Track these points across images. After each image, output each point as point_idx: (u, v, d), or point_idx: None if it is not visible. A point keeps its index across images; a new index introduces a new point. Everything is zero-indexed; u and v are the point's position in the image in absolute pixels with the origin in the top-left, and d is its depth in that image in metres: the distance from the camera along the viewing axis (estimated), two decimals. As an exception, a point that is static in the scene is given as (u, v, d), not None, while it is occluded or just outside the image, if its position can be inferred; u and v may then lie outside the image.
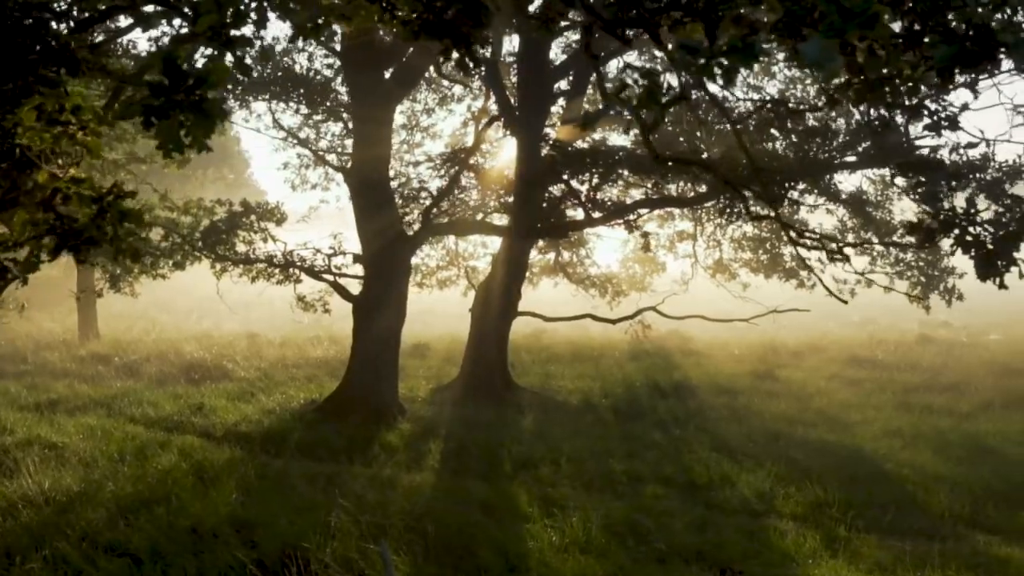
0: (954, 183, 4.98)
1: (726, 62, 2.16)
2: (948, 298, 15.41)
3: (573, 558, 7.05)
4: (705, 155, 12.04)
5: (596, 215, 12.07)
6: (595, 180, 11.98)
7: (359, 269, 13.92)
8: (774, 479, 9.83)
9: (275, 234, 15.33)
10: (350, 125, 13.69)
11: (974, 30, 2.45)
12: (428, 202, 13.19)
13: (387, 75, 12.60)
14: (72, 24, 3.56)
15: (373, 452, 11.23)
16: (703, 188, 14.03)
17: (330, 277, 13.75)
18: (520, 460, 10.75)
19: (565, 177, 12.69)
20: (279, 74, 14.09)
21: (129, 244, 3.71)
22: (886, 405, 14.78)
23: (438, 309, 31.23)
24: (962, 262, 16.55)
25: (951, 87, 13.02)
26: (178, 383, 16.43)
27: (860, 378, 17.52)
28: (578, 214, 14.67)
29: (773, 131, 12.13)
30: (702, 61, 2.15)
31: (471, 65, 3.25)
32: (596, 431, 12.69)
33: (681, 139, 14.99)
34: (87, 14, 3.60)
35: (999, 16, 2.68)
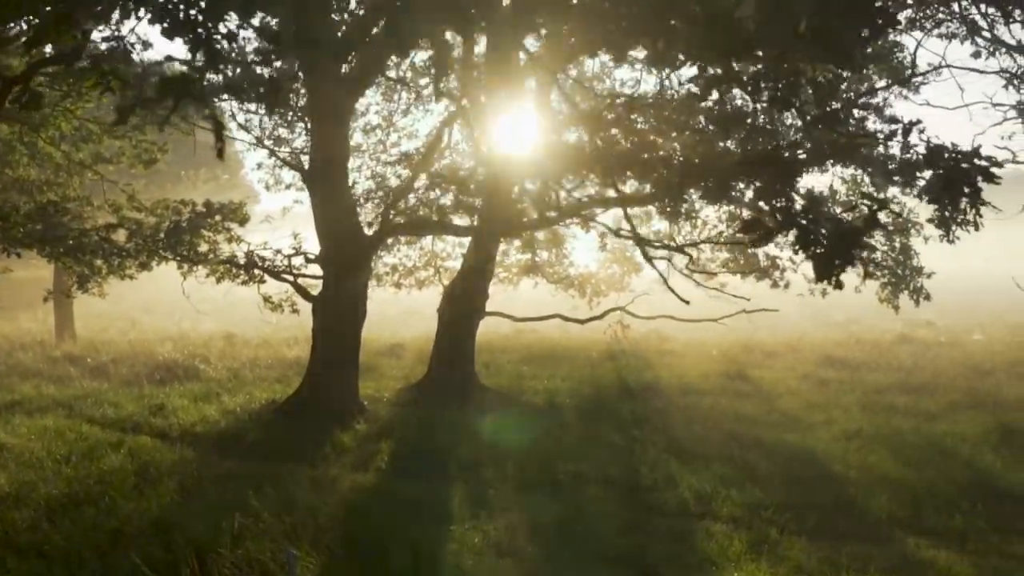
0: (797, 180, 4.89)
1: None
2: (916, 298, 15.33)
3: (488, 561, 7.01)
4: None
5: (551, 214, 12.01)
6: (549, 180, 11.93)
7: (320, 269, 13.88)
8: (718, 480, 9.75)
9: (244, 234, 15.34)
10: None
11: (716, 20, 2.38)
12: (388, 202, 13.14)
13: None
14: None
15: (324, 453, 11.20)
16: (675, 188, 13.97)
17: (290, 277, 13.72)
18: (467, 461, 10.70)
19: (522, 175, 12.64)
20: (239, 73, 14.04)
21: None
22: (852, 406, 14.64)
23: (424, 310, 31.29)
24: (930, 262, 16.53)
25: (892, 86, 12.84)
26: (146, 384, 16.43)
27: (832, 378, 17.40)
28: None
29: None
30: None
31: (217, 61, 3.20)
32: (554, 432, 12.60)
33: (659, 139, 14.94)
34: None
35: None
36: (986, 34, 13.89)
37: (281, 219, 20.06)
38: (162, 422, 12.92)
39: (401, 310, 31.83)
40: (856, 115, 8.45)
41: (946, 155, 4.60)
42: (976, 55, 12.49)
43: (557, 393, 15.74)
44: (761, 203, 4.39)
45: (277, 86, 2.94)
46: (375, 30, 10.38)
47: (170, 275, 16.61)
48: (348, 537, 7.33)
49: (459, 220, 14.52)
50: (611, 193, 13.14)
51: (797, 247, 3.74)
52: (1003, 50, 13.11)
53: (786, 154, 6.81)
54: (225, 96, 14.39)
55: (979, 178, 4.69)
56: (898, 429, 12.49)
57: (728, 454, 11.06)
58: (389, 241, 19.49)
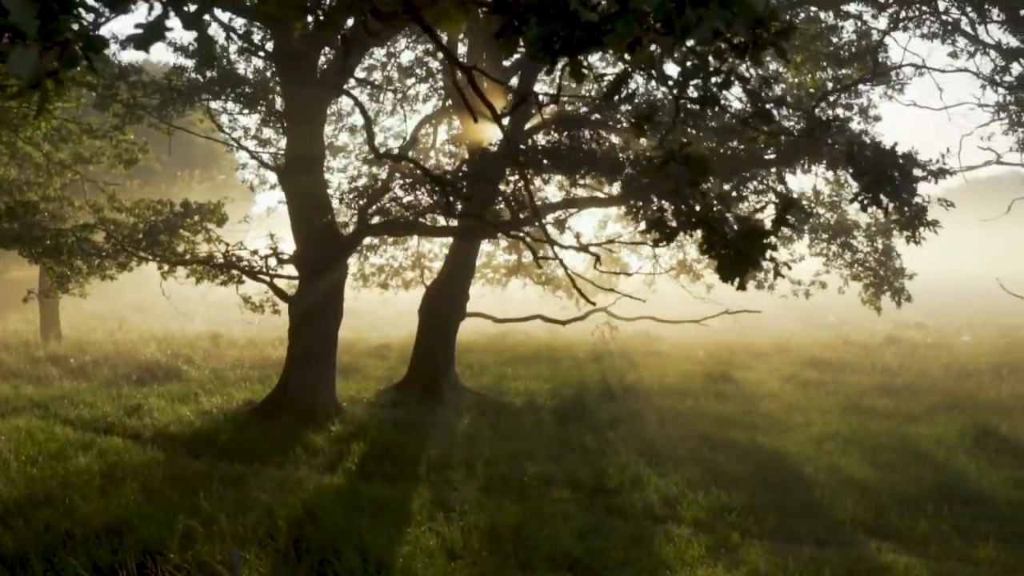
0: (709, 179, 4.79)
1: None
2: (898, 299, 15.25)
3: (440, 564, 6.95)
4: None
5: (523, 215, 11.96)
6: (520, 180, 11.87)
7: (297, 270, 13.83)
8: (685, 483, 9.67)
9: (235, 234, 15.27)
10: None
11: (559, 10, 2.30)
12: (361, 203, 13.08)
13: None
14: None
15: (295, 453, 11.14)
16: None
17: (266, 278, 13.68)
18: (437, 462, 10.65)
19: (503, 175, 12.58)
20: (218, 74, 14.03)
21: None
22: (833, 408, 14.57)
23: (416, 311, 31.25)
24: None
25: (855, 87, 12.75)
26: (126, 384, 16.39)
27: (815, 380, 17.33)
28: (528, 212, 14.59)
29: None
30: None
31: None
32: (529, 433, 12.55)
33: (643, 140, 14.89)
34: None
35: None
36: (969, 33, 13.82)
37: (266, 219, 20.09)
38: (136, 423, 12.87)
39: (394, 311, 31.76)
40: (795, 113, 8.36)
41: (868, 152, 4.52)
42: (953, 55, 12.42)
43: (537, 394, 15.69)
44: (665, 202, 4.33)
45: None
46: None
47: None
48: (301, 539, 7.28)
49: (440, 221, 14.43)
50: (583, 193, 13.10)
51: (704, 247, 3.68)
52: (983, 50, 13.04)
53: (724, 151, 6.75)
54: (206, 96, 14.44)
55: (897, 175, 4.61)
56: (874, 431, 12.41)
57: (699, 456, 11.00)
58: (376, 242, 19.49)
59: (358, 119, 20.84)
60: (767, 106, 6.20)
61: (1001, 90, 13.15)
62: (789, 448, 11.52)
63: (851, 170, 5.93)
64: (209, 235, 14.63)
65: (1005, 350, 19.86)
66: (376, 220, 13.60)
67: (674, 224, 3.62)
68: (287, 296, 13.54)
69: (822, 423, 13.14)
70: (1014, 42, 12.27)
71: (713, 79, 4.33)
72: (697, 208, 3.47)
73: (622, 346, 21.81)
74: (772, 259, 3.65)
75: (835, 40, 14.65)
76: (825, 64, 13.84)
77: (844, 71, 15.09)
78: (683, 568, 7.21)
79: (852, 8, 14.22)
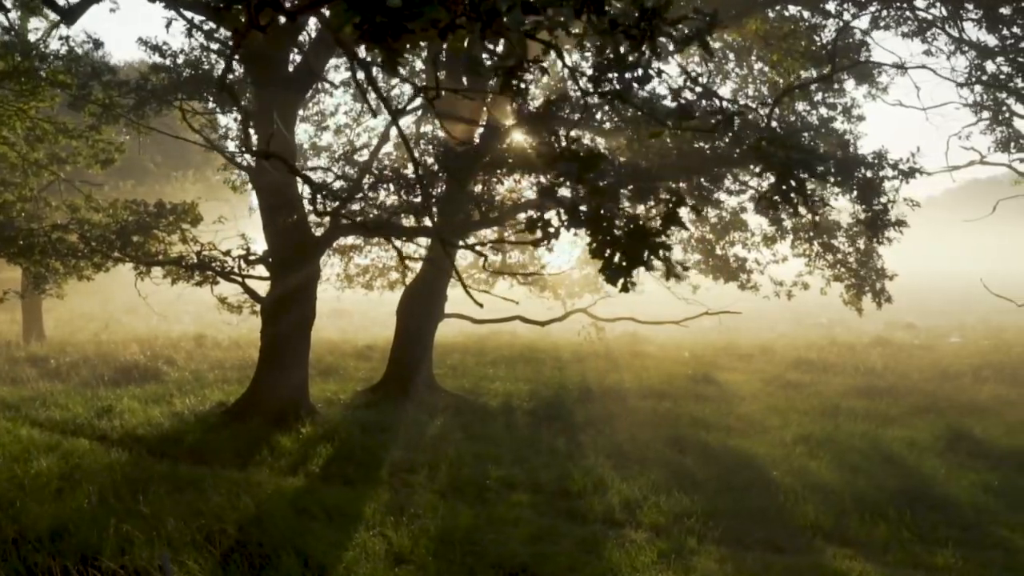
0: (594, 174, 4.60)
1: None
2: (878, 300, 15.11)
3: (383, 569, 6.84)
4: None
5: (493, 215, 11.82)
6: (489, 180, 11.74)
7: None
8: (649, 487, 9.54)
9: (202, 233, 15.17)
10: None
11: None
12: (336, 203, 12.94)
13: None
14: None
15: (260, 456, 11.04)
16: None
17: (239, 278, 13.57)
18: (401, 465, 10.55)
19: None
20: (190, 74, 13.95)
21: None
22: (812, 410, 14.43)
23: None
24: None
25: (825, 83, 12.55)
26: (103, 386, 16.31)
27: (797, 381, 17.18)
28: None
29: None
30: None
31: None
32: (499, 435, 12.43)
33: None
34: None
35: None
36: (949, 32, 13.67)
37: (248, 219, 19.99)
38: (106, 424, 12.77)
39: (384, 312, 31.67)
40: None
41: (778, 149, 4.42)
42: (928, 53, 12.25)
43: (515, 395, 15.57)
44: (546, 199, 4.24)
45: None
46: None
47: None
48: (246, 543, 7.17)
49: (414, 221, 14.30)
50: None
51: (591, 248, 3.56)
52: (961, 48, 12.88)
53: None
54: (182, 96, 14.34)
55: (801, 170, 4.50)
56: (848, 434, 12.27)
57: (667, 459, 10.87)
58: (360, 242, 19.38)
59: (341, 118, 20.78)
60: (686, 101, 6.09)
61: (978, 88, 12.99)
62: (759, 451, 11.38)
63: (759, 167, 5.83)
64: (184, 235, 14.52)
65: (990, 351, 19.68)
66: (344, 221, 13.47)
67: (557, 224, 3.51)
68: (259, 297, 13.44)
69: (797, 426, 13.00)
70: (992, 40, 12.12)
71: (629, 74, 4.22)
72: (584, 207, 3.35)
73: (608, 347, 21.68)
74: (665, 259, 3.52)
75: (816, 39, 14.51)
76: (803, 61, 13.68)
77: (826, 70, 14.95)
78: (631, 574, 7.08)
79: (831, 7, 14.07)
